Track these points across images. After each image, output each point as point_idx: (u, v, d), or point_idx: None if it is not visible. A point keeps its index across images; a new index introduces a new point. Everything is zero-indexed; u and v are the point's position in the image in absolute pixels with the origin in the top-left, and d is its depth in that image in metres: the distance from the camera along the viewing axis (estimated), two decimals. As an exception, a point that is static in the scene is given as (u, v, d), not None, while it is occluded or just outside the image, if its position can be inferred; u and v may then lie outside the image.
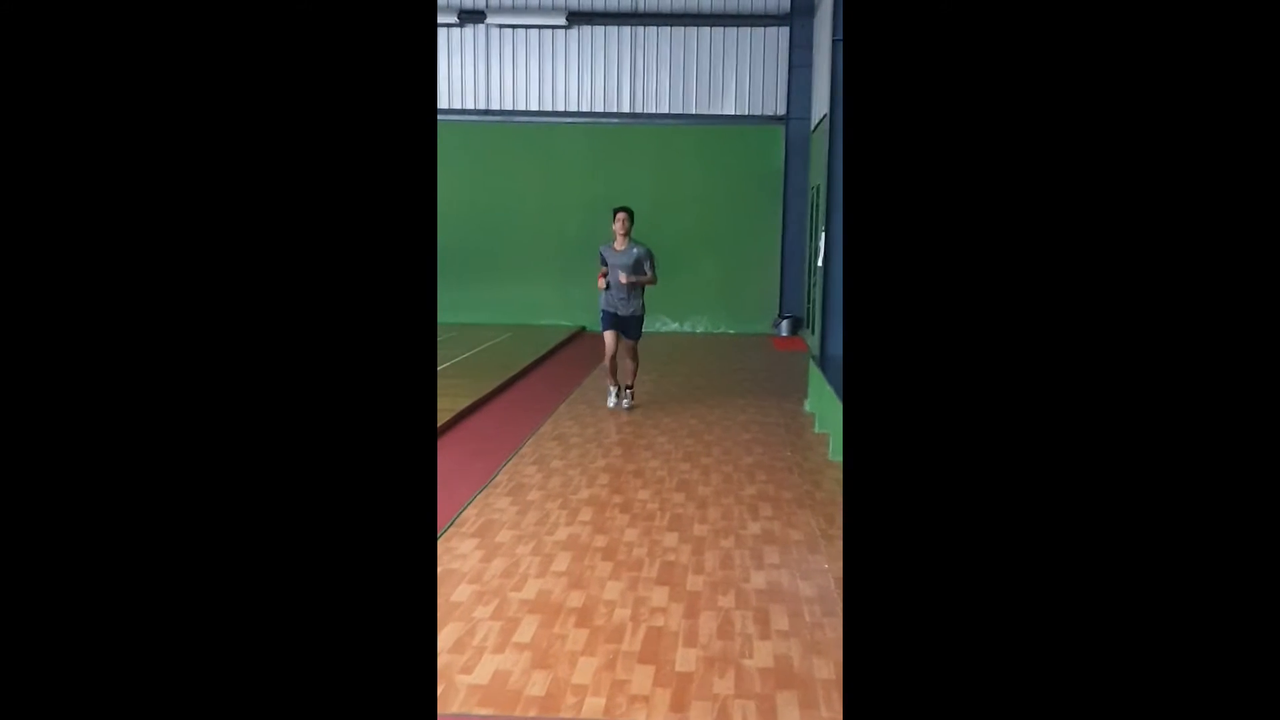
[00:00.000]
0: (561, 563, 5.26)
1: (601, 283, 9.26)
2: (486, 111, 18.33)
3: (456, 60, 18.22)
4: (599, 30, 17.98)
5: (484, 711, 3.60)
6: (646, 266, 9.36)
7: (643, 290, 9.63)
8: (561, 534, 5.82)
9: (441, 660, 4.02)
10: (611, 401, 9.88)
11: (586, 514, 6.26)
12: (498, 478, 7.25)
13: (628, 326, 9.47)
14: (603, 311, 9.63)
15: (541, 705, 3.66)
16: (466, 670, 3.89)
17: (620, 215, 9.30)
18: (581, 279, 17.91)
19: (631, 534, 5.78)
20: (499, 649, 4.12)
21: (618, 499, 6.70)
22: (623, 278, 9.22)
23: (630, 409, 9.69)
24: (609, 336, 9.59)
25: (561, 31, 17.94)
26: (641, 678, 3.88)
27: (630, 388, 10.04)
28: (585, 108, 18.20)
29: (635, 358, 9.86)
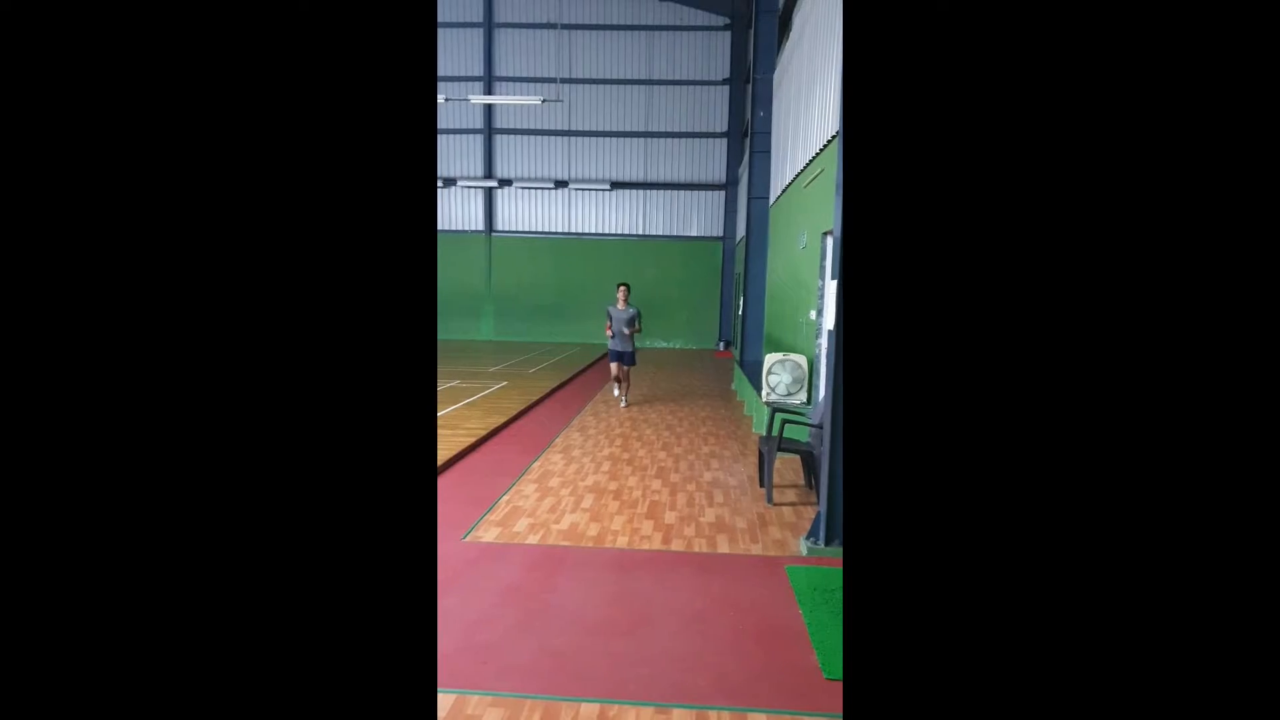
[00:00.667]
0: (605, 466, 5.15)
1: (609, 332, 7.60)
2: (569, 233, 18.50)
3: (554, 206, 18.50)
4: (628, 191, 18.14)
5: (565, 543, 3.53)
6: (637, 321, 7.70)
7: (633, 335, 7.95)
8: (605, 451, 5.68)
9: (539, 518, 3.92)
10: (617, 394, 8.13)
11: (619, 443, 6.12)
12: (574, 422, 7.10)
13: (624, 358, 7.76)
14: (610, 350, 7.90)
15: (595, 540, 3.59)
16: (556, 522, 3.83)
17: (622, 287, 7.74)
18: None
19: (642, 451, 5.70)
20: (573, 510, 4.05)
21: (634, 433, 6.52)
22: (625, 330, 7.54)
23: (625, 406, 7.88)
24: (613, 366, 7.90)
25: (608, 191, 18.14)
26: (647, 527, 3.80)
27: (624, 395, 8.16)
28: (621, 231, 18.29)
29: (628, 377, 8.13)
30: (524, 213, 18.73)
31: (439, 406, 7.63)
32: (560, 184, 18.34)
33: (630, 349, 7.89)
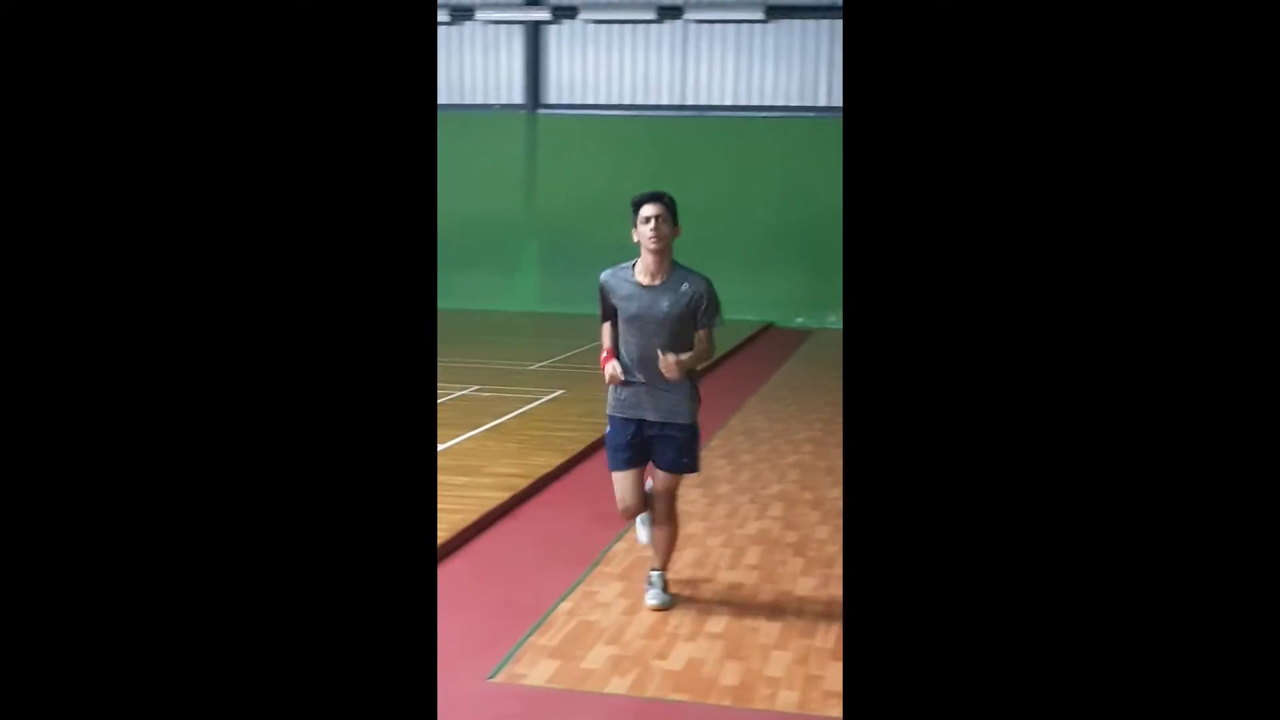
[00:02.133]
0: (753, 555, 4.74)
1: (610, 367, 3.83)
2: (681, 106, 15.38)
3: (650, 55, 15.25)
4: (797, 24, 14.58)
5: (680, 697, 3.29)
6: (702, 317, 3.74)
7: (689, 373, 3.73)
8: (753, 526, 5.41)
9: (630, 644, 3.75)
10: (660, 599, 4.16)
11: (777, 509, 5.79)
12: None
13: (664, 444, 3.80)
14: (611, 418, 3.88)
15: (738, 693, 3.36)
16: (660, 654, 3.61)
17: (650, 207, 3.68)
18: (773, 269, 14.58)
19: (814, 517, 5.56)
20: (695, 631, 3.75)
21: (807, 494, 6.41)
22: (665, 362, 3.71)
23: (663, 604, 4.10)
24: (623, 481, 3.94)
25: (759, 26, 14.77)
26: (835, 672, 3.88)
27: (662, 572, 4.14)
28: (781, 101, 14.90)
29: (673, 516, 4.01)
30: (594, 69, 15.53)
31: (449, 432, 6.61)
32: (668, 11, 15.25)
33: (681, 407, 3.78)
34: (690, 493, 5.49)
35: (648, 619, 3.89)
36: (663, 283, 3.71)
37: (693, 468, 3.79)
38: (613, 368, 3.73)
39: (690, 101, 15.39)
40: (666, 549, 3.98)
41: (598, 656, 3.40)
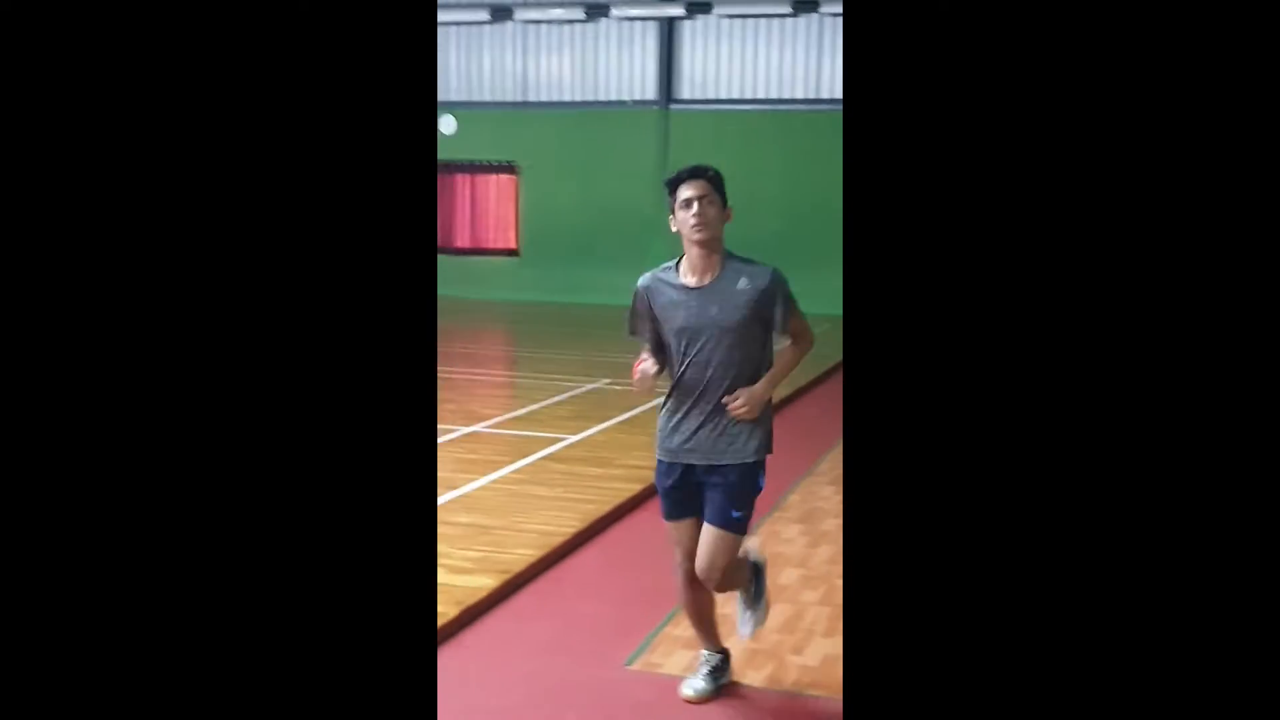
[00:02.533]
0: None
1: (640, 378, 3.00)
2: (816, 100, 15.14)
3: (788, 49, 15.10)
4: None
5: (818, 694, 3.24)
6: (778, 315, 2.90)
7: (758, 401, 2.86)
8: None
9: (764, 639, 3.67)
10: (695, 686, 3.28)
11: None
12: (828, 456, 6.35)
13: (711, 489, 2.97)
14: (660, 463, 3.08)
15: None
16: (796, 649, 3.46)
17: (689, 186, 2.83)
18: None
19: None
20: (831, 627, 3.97)
21: None
22: (736, 407, 2.94)
23: (707, 691, 3.26)
24: (674, 532, 3.16)
25: None
26: None
27: (718, 656, 3.35)
28: None
29: (737, 574, 3.18)
30: (727, 64, 15.50)
31: (582, 424, 7.09)
32: (803, 4, 14.54)
33: (747, 446, 2.95)
34: (824, 489, 5.42)
35: (782, 613, 3.91)
36: (712, 282, 2.85)
37: (742, 527, 2.94)
38: (645, 367, 3.02)
39: (825, 95, 15.14)
40: (745, 591, 3.39)
41: (732, 648, 3.44)
